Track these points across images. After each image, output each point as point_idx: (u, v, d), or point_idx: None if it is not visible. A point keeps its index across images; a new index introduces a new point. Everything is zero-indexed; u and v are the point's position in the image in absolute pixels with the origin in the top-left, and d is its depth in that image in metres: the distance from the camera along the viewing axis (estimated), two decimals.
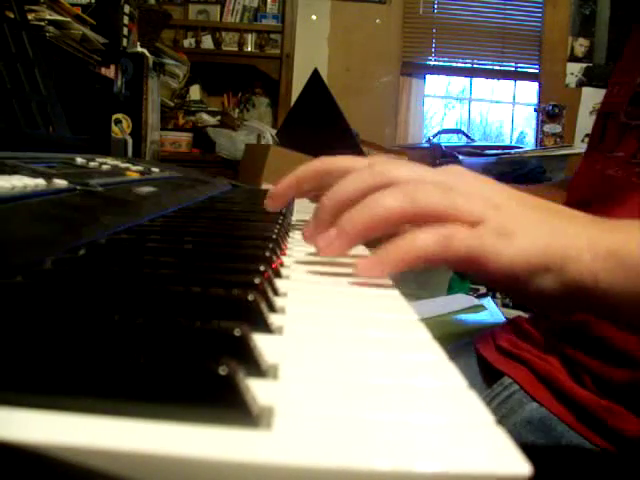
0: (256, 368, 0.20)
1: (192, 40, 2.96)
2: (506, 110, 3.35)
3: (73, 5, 1.52)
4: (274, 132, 2.48)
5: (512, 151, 2.54)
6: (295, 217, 0.67)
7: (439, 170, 0.40)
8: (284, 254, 0.42)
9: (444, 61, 3.20)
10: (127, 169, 0.70)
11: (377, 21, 3.04)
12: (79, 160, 0.65)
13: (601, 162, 0.65)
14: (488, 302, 1.27)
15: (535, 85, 3.19)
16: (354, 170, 0.39)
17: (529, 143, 3.18)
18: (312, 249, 0.41)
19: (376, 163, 0.39)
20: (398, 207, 0.35)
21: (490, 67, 3.19)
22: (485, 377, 0.68)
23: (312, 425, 0.16)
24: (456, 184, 0.37)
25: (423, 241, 0.35)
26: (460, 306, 1.15)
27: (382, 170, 0.38)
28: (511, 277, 0.35)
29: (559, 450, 0.55)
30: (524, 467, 0.15)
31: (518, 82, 3.27)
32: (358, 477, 0.15)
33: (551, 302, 0.37)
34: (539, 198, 0.39)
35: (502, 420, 0.60)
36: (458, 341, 0.79)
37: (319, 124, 2.17)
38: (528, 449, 0.61)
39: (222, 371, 0.16)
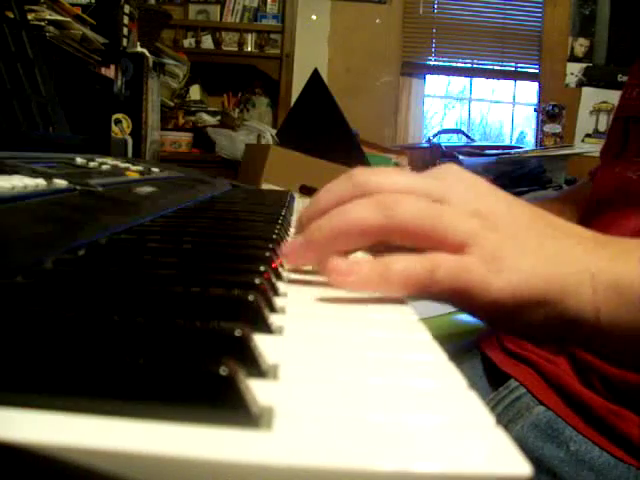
0: (256, 368, 0.20)
1: (192, 40, 2.96)
2: (506, 110, 3.35)
3: (73, 5, 1.52)
4: (274, 132, 2.48)
5: (512, 151, 2.54)
6: (295, 217, 0.67)
7: (433, 172, 0.36)
8: None
9: (444, 61, 3.20)
10: (127, 169, 0.70)
11: (377, 21, 3.04)
12: (79, 160, 0.65)
13: (621, 165, 0.63)
14: None
15: (535, 85, 3.18)
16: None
17: (529, 143, 3.17)
18: None
19: (359, 173, 0.35)
20: (371, 219, 0.32)
21: (490, 67, 3.19)
22: (490, 379, 0.67)
23: (312, 425, 0.16)
24: (446, 194, 0.34)
25: (408, 267, 0.31)
26: None
27: (363, 180, 0.34)
28: (498, 310, 0.32)
29: (567, 454, 0.54)
30: (524, 467, 0.15)
31: (518, 82, 3.26)
32: (358, 477, 0.15)
33: (542, 335, 0.35)
34: (539, 209, 0.36)
35: (509, 424, 0.59)
36: (459, 341, 0.78)
37: (319, 124, 2.17)
38: (535, 453, 0.60)
39: (222, 372, 0.16)
